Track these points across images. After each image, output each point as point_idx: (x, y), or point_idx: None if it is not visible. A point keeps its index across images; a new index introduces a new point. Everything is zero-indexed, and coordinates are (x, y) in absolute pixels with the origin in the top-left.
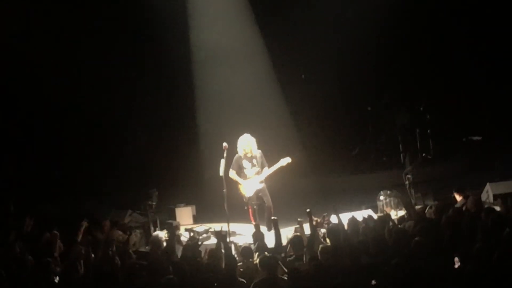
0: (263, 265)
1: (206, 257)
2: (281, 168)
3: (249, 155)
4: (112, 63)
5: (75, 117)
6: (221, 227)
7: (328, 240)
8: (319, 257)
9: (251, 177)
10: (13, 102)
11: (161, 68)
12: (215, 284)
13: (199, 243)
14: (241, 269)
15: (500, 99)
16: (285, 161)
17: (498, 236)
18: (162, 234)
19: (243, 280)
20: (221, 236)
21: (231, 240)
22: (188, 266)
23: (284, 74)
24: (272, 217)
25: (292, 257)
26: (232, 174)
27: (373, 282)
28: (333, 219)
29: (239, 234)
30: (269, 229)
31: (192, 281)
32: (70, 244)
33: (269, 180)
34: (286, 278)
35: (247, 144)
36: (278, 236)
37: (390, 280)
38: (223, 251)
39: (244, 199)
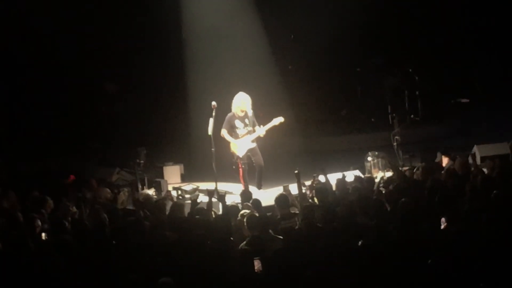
0: (250, 225)
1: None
2: (273, 127)
3: (242, 114)
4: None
5: (64, 75)
6: (216, 187)
7: (316, 200)
8: (303, 216)
9: (243, 136)
10: None
11: (152, 30)
12: (208, 242)
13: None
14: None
15: (488, 61)
16: (278, 120)
17: (485, 198)
18: (150, 192)
19: (231, 238)
20: (218, 196)
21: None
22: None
23: (274, 34)
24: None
25: (278, 217)
26: (224, 133)
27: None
28: (322, 179)
29: (228, 193)
30: (259, 188)
31: (186, 238)
32: (58, 201)
33: (259, 140)
34: (278, 237)
35: (243, 102)
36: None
37: (375, 241)
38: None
39: (234, 158)
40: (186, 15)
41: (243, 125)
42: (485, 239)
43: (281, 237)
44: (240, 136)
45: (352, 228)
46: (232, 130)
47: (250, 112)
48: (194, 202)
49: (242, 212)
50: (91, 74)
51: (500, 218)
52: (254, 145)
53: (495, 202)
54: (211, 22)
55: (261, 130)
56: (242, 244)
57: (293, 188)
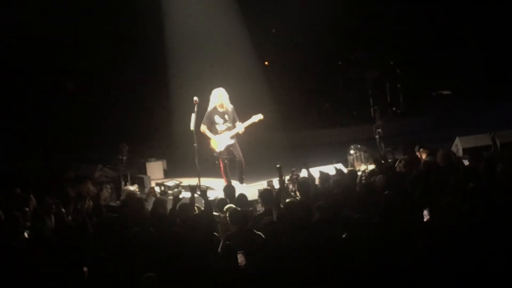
0: (232, 218)
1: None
2: (252, 124)
3: (221, 109)
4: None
5: (45, 72)
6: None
7: (298, 194)
8: (285, 211)
9: (223, 132)
10: None
11: (133, 26)
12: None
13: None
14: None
15: (469, 53)
16: (257, 117)
17: (467, 190)
18: (133, 188)
19: (215, 233)
20: (199, 191)
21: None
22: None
23: (255, 29)
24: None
25: (260, 212)
26: (204, 128)
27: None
28: (304, 173)
29: (210, 189)
30: (241, 182)
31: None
32: (41, 199)
33: (240, 135)
34: (258, 233)
35: (220, 97)
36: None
37: (358, 234)
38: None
39: (215, 154)
40: (167, 11)
41: (223, 121)
42: (467, 231)
43: (261, 234)
44: (219, 132)
45: (336, 221)
46: (211, 125)
47: (230, 108)
48: (176, 198)
49: (226, 206)
50: (70, 70)
51: (482, 210)
52: (233, 141)
53: (476, 194)
54: (193, 18)
55: (239, 127)
56: (225, 238)
57: (276, 183)
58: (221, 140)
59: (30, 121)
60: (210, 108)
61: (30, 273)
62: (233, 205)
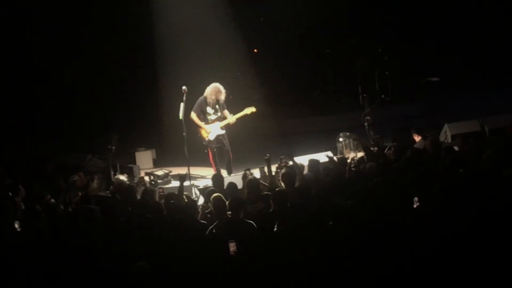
0: (217, 209)
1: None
2: (244, 116)
3: (212, 101)
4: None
5: (32, 64)
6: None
7: (283, 184)
8: (271, 202)
9: (213, 122)
10: None
11: (122, 17)
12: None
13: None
14: (206, 211)
15: (457, 40)
16: (250, 110)
17: (456, 176)
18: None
19: (204, 222)
20: (184, 179)
21: (192, 183)
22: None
23: (243, 17)
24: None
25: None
26: (193, 116)
27: (330, 222)
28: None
29: (199, 177)
30: (229, 173)
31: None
32: (30, 189)
33: (229, 125)
34: (248, 221)
35: (217, 94)
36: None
37: (348, 221)
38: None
39: (204, 142)
40: (156, 3)
41: (214, 111)
42: (457, 217)
43: (252, 222)
44: (209, 122)
45: (327, 209)
46: (202, 114)
47: (222, 99)
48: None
49: (214, 195)
50: (60, 62)
51: (472, 196)
52: (223, 131)
53: (465, 179)
54: (181, 7)
55: (231, 118)
56: (211, 227)
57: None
58: (212, 130)
59: (19, 112)
60: (202, 97)
61: (23, 264)
62: (220, 194)
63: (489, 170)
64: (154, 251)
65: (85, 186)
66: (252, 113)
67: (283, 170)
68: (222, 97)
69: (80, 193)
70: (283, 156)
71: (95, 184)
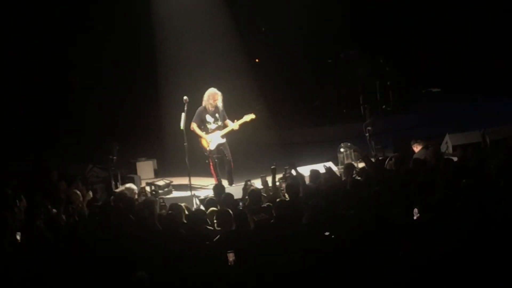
0: (220, 221)
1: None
2: (244, 123)
3: (213, 109)
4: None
5: (33, 71)
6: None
7: (287, 196)
8: (274, 213)
9: (213, 131)
10: None
11: (123, 24)
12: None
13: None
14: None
15: (458, 51)
16: (249, 117)
17: (457, 187)
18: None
19: (210, 228)
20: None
21: (193, 193)
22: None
23: (245, 27)
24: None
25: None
26: (194, 126)
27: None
28: (293, 173)
29: (200, 188)
30: (230, 183)
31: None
32: (31, 199)
33: (231, 133)
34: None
35: (214, 97)
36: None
37: (347, 231)
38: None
39: (205, 153)
40: (157, 10)
41: (213, 119)
42: (457, 229)
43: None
44: (210, 131)
45: (330, 219)
46: (202, 124)
47: (221, 107)
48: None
49: (210, 210)
50: (61, 69)
51: (472, 207)
52: (224, 140)
53: (466, 191)
54: (182, 17)
55: (233, 125)
56: (215, 238)
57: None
58: (212, 139)
59: (20, 121)
60: (201, 106)
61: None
62: (215, 208)
63: (495, 180)
64: (154, 261)
65: (84, 197)
66: (252, 120)
67: (287, 182)
68: (220, 100)
69: (80, 205)
70: (287, 167)
71: (90, 194)
